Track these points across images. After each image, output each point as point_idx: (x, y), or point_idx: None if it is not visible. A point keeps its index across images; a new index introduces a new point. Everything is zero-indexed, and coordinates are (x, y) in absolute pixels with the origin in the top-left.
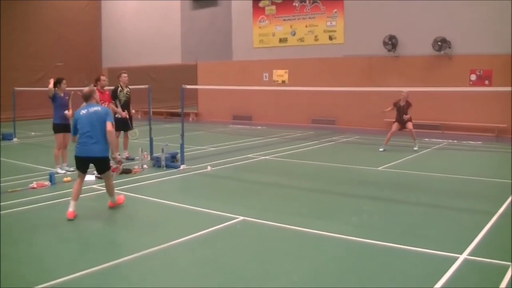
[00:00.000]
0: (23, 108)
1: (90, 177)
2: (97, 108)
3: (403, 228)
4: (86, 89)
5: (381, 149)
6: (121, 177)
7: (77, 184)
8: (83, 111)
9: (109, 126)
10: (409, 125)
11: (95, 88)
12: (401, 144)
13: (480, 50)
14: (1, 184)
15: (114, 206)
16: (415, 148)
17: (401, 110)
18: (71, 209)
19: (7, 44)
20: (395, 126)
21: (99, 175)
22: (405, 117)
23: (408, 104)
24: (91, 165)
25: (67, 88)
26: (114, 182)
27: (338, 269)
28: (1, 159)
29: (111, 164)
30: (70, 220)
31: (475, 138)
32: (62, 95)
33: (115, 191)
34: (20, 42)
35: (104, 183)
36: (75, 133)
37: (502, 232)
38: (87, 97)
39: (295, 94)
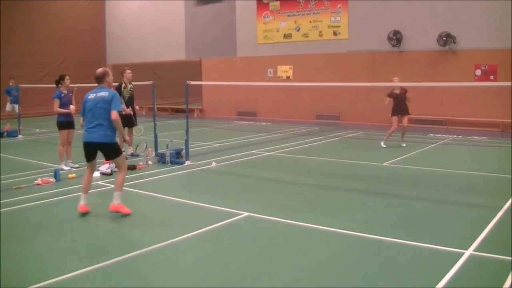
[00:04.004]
0: (27, 105)
1: (95, 174)
2: (104, 93)
3: (408, 224)
4: (99, 70)
5: (383, 146)
6: (126, 173)
7: (86, 176)
8: (91, 95)
9: (114, 115)
10: (405, 120)
11: (107, 70)
12: (407, 140)
13: (485, 45)
14: (8, 181)
15: (115, 211)
16: (403, 145)
17: (399, 98)
18: (82, 202)
19: (11, 42)
20: (395, 120)
21: (104, 172)
22: (407, 98)
23: (404, 91)
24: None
25: (70, 85)
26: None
27: (343, 265)
28: (7, 156)
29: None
30: (82, 213)
31: (480, 133)
32: (66, 92)
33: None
34: (24, 39)
35: (110, 179)
36: (83, 114)
37: (508, 228)
38: (99, 79)
39: (299, 90)
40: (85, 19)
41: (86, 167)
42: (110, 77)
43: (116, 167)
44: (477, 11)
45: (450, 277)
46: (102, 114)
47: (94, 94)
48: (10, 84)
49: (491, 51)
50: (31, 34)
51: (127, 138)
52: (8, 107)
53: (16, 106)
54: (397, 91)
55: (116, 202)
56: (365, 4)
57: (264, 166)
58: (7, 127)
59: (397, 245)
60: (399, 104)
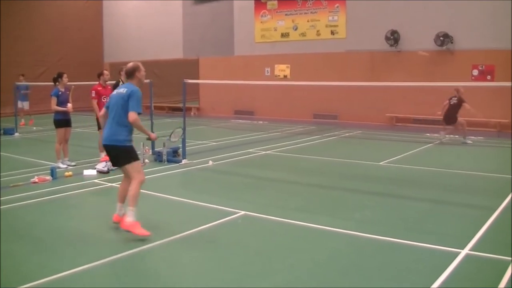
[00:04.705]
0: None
1: (91, 172)
2: (123, 89)
3: (405, 223)
4: (129, 64)
5: (469, 141)
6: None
7: (121, 184)
8: (115, 91)
9: (131, 116)
10: (455, 125)
11: (138, 64)
12: (403, 139)
13: (482, 45)
14: (4, 179)
15: (127, 230)
16: (469, 142)
17: (450, 107)
18: (116, 211)
19: (9, 39)
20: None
21: (101, 170)
22: (466, 106)
23: (461, 102)
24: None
25: (68, 83)
26: (116, 176)
27: (341, 264)
28: (3, 153)
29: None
30: (115, 223)
31: (477, 134)
32: (63, 90)
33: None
34: (22, 37)
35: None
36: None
37: (504, 227)
38: (129, 74)
39: (297, 89)
40: (84, 17)
41: (86, 167)
42: (142, 73)
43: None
44: (475, 11)
45: (446, 276)
46: (115, 113)
47: (117, 90)
48: (21, 78)
49: (489, 51)
50: (29, 32)
51: (152, 135)
52: (19, 104)
53: (21, 103)
54: (454, 101)
55: (128, 219)
56: (363, 3)
57: (261, 165)
58: (28, 121)
59: (395, 244)
60: (448, 113)
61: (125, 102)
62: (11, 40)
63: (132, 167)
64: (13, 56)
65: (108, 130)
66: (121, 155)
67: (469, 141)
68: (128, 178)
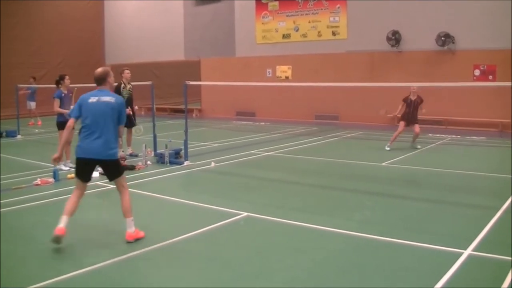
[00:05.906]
0: (26, 105)
1: (93, 174)
2: (110, 98)
3: (407, 224)
4: (99, 69)
5: (387, 148)
6: (125, 174)
7: (73, 197)
8: (93, 99)
9: (121, 131)
10: (416, 127)
11: (108, 69)
12: (405, 140)
13: (484, 45)
14: (7, 181)
15: (133, 240)
16: (418, 147)
17: (412, 105)
18: (61, 224)
19: (10, 41)
20: (402, 125)
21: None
22: (422, 111)
23: (420, 99)
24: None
25: (70, 85)
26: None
27: (341, 265)
28: (6, 156)
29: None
30: (58, 236)
31: (479, 134)
32: (66, 92)
33: None
34: (23, 39)
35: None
36: (77, 117)
37: (506, 228)
38: (100, 80)
39: (298, 90)
40: (84, 18)
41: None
42: (112, 78)
43: (118, 188)
44: (476, 11)
45: (449, 277)
46: (107, 124)
47: (96, 98)
48: (31, 80)
49: (490, 51)
50: (30, 34)
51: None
52: (28, 105)
53: (29, 103)
54: (413, 98)
55: (132, 229)
56: (364, 4)
57: (263, 166)
58: (31, 122)
59: (395, 245)
60: (410, 111)
61: (118, 113)
62: (11, 41)
63: (124, 178)
64: (14, 57)
65: (100, 142)
66: (115, 168)
67: (419, 146)
68: (82, 193)
